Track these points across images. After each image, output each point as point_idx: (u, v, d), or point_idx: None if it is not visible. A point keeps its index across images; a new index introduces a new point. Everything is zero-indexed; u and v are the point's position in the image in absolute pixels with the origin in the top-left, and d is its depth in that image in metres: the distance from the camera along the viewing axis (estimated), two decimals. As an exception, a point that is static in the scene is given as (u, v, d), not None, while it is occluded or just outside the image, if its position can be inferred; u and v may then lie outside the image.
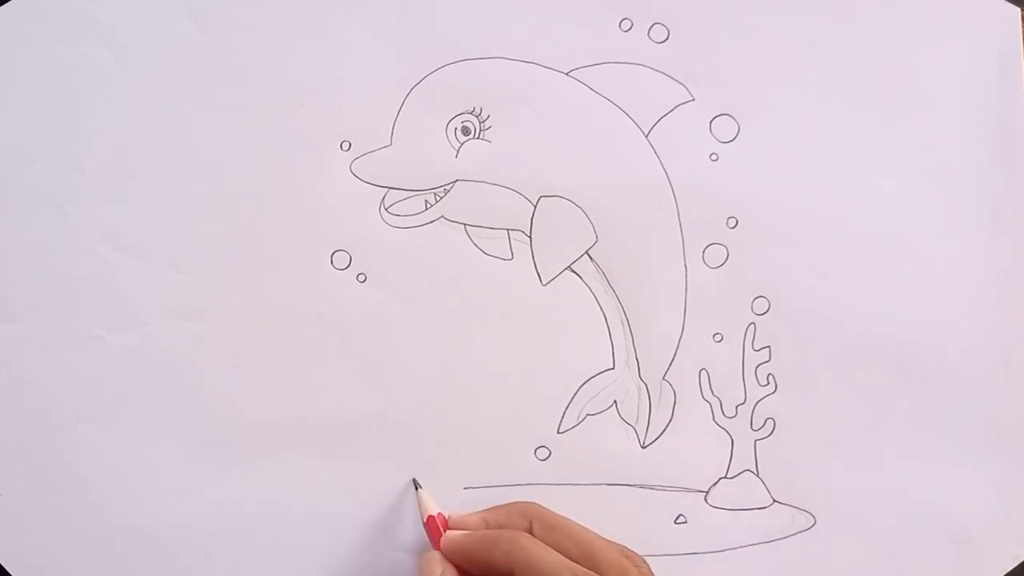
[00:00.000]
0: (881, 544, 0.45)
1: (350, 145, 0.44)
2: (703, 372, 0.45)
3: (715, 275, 0.45)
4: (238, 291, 0.43)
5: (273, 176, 0.43)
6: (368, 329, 0.44)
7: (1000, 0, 0.46)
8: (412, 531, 0.43)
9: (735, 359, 0.45)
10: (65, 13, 0.43)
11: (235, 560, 0.43)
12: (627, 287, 0.44)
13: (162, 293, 0.43)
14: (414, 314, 0.44)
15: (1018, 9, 0.46)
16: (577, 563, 0.37)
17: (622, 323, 0.44)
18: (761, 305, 0.45)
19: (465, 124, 0.44)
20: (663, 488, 0.44)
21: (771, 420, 0.45)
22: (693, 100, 0.45)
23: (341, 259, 0.44)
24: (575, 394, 0.44)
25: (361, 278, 0.44)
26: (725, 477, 0.45)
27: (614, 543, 0.40)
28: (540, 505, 0.42)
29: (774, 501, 0.45)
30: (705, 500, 0.44)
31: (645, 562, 0.39)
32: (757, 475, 0.45)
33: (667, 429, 0.44)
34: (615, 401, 0.44)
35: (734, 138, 0.45)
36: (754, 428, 0.45)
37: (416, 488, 0.43)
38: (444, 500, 0.43)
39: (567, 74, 0.44)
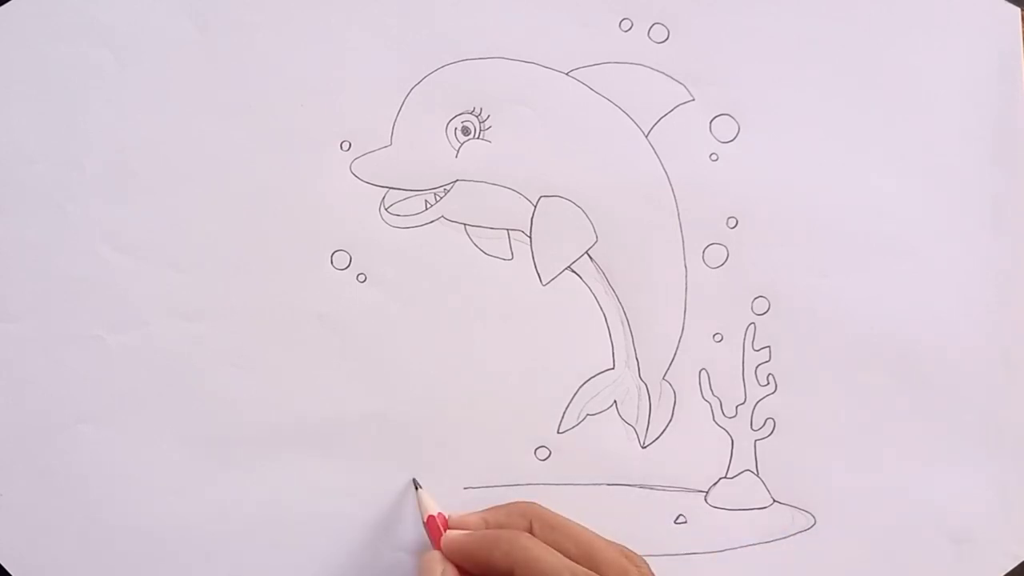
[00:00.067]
0: (881, 544, 0.45)
1: (350, 145, 0.44)
2: (703, 372, 0.45)
3: (715, 275, 0.45)
4: (238, 291, 0.43)
5: (273, 176, 0.43)
6: (368, 329, 0.44)
7: (1000, 0, 0.46)
8: (412, 531, 0.43)
9: (735, 359, 0.45)
10: (65, 13, 0.43)
11: (235, 560, 0.43)
12: (627, 287, 0.44)
13: (162, 293, 0.43)
14: (414, 314, 0.44)
15: (1018, 9, 0.46)
16: (577, 563, 0.37)
17: (622, 323, 0.44)
18: (761, 305, 0.45)
19: (465, 124, 0.44)
20: (663, 488, 0.44)
21: (771, 420, 0.45)
22: (693, 100, 0.45)
23: (341, 259, 0.44)
24: (575, 394, 0.44)
25: (361, 278, 0.44)
26: (725, 477, 0.45)
27: (614, 543, 0.40)
28: (540, 505, 0.42)
29: (774, 501, 0.45)
30: (705, 500, 0.44)
31: (645, 562, 0.39)
32: (757, 475, 0.45)
33: (667, 429, 0.44)
34: (615, 401, 0.44)
35: (734, 138, 0.45)
36: (754, 428, 0.45)
37: (416, 488, 0.43)
38: (444, 500, 0.43)
39: (567, 74, 0.44)
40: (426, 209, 0.44)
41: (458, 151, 0.44)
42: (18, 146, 0.43)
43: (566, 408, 0.44)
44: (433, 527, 0.41)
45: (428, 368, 0.44)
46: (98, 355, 0.43)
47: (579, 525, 0.40)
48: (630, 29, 0.45)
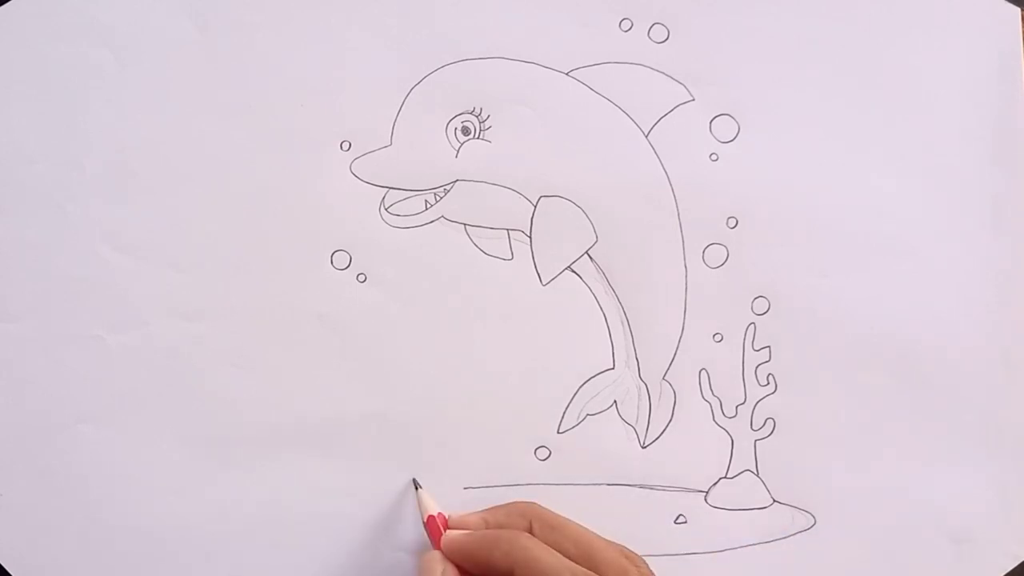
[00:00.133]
0: (881, 544, 0.45)
1: (350, 145, 0.44)
2: (703, 372, 0.45)
3: (715, 275, 0.45)
4: (238, 291, 0.43)
5: (273, 176, 0.43)
6: (368, 329, 0.44)
7: (1000, 0, 0.46)
8: (412, 531, 0.43)
9: (735, 359, 0.45)
10: (65, 13, 0.43)
11: (235, 560, 0.43)
12: (627, 287, 0.44)
13: (162, 293, 0.43)
14: (414, 314, 0.44)
15: (1018, 9, 0.46)
16: (577, 563, 0.37)
17: (622, 323, 0.44)
18: (761, 305, 0.45)
19: (465, 124, 0.44)
20: (663, 488, 0.44)
21: (771, 420, 0.45)
22: (693, 100, 0.45)
23: (341, 259, 0.44)
24: (575, 394, 0.44)
25: (361, 278, 0.44)
26: (725, 477, 0.45)
27: (613, 543, 0.40)
28: (540, 505, 0.42)
29: (774, 501, 0.45)
30: (705, 500, 0.44)
31: (645, 562, 0.39)
32: (757, 475, 0.45)
33: (667, 429, 0.44)
34: (615, 401, 0.44)
35: (734, 138, 0.45)
36: (754, 428, 0.45)
37: (416, 488, 0.43)
38: (444, 500, 0.43)
39: (567, 74, 0.44)
40: (426, 209, 0.44)
41: (458, 151, 0.44)
42: (18, 146, 0.43)
43: (566, 408, 0.44)
44: (433, 527, 0.41)
45: (428, 368, 0.44)
46: (98, 355, 0.43)
47: (579, 525, 0.40)
48: (630, 29, 0.45)
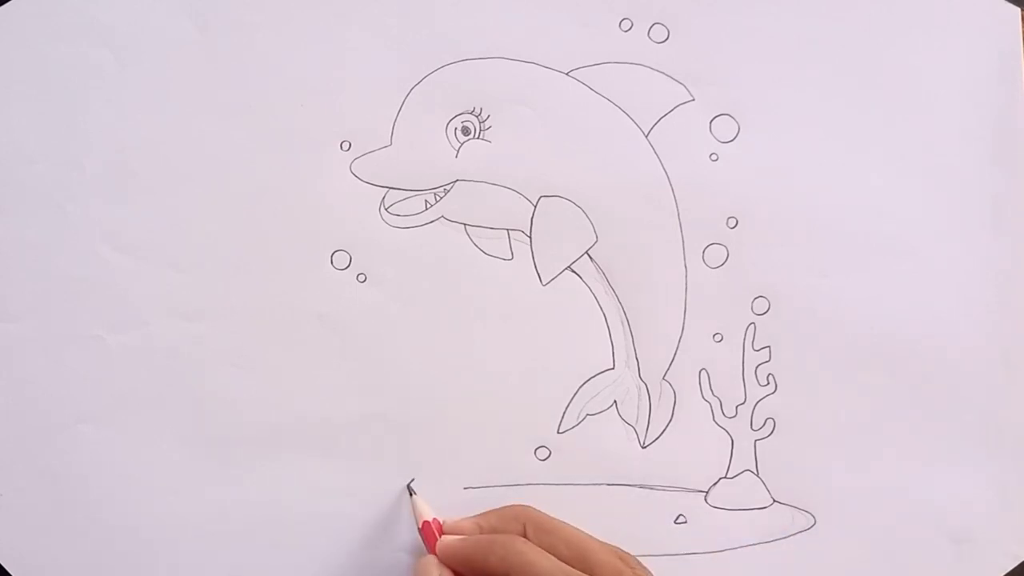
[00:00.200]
0: (881, 544, 0.45)
1: (350, 145, 0.44)
2: (703, 372, 0.45)
3: (715, 275, 0.45)
4: (238, 291, 0.43)
5: (273, 176, 0.43)
6: (368, 329, 0.44)
7: (1000, 0, 0.46)
8: (412, 531, 0.43)
9: (735, 359, 0.45)
10: (65, 13, 0.43)
11: (235, 560, 0.43)
12: (627, 287, 0.44)
13: (162, 293, 0.43)
14: (414, 314, 0.44)
15: (1018, 9, 0.46)
16: (571, 565, 0.37)
17: (622, 323, 0.44)
18: (761, 305, 0.45)
19: (465, 124, 0.44)
20: (663, 488, 0.44)
21: (771, 420, 0.45)
22: (693, 100, 0.45)
23: (341, 259, 0.44)
24: (575, 394, 0.44)
25: (361, 278, 0.44)
26: (725, 477, 0.45)
27: (608, 544, 0.40)
28: (534, 508, 0.41)
29: (774, 501, 0.45)
30: (705, 500, 0.44)
31: (639, 563, 0.39)
32: (757, 475, 0.45)
33: (667, 429, 0.44)
34: (615, 401, 0.44)
35: (734, 138, 0.45)
36: (754, 428, 0.45)
37: (411, 495, 0.43)
38: (444, 500, 0.43)
39: (567, 74, 0.44)
40: (426, 209, 0.44)
41: (458, 151, 0.44)
42: (18, 146, 0.43)
43: (566, 408, 0.44)
44: (428, 533, 0.41)
45: (428, 368, 0.44)
46: (98, 355, 0.43)
47: (572, 527, 0.40)
48: (630, 29, 0.45)
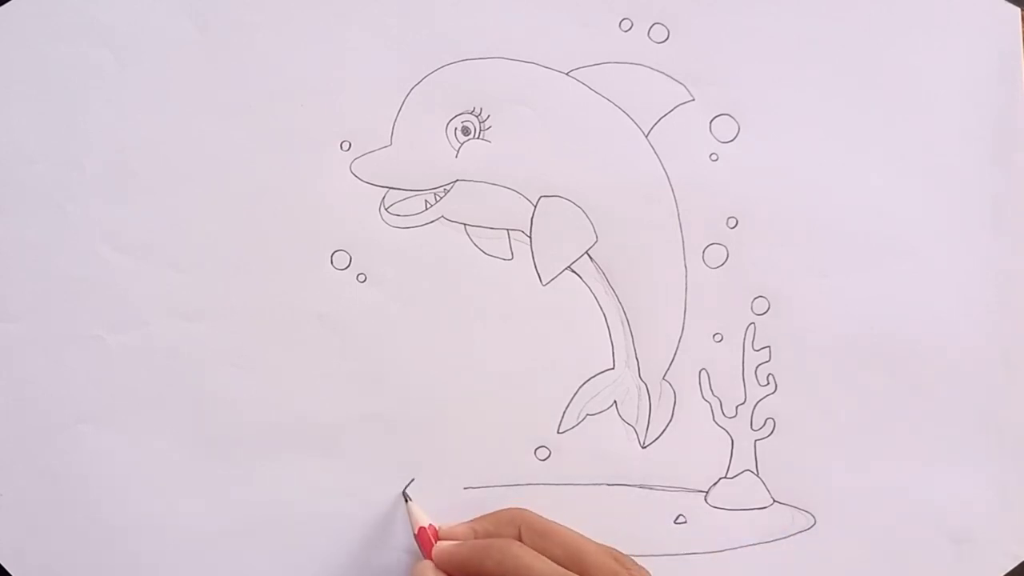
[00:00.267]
0: (881, 544, 0.45)
1: (350, 145, 0.44)
2: (703, 372, 0.45)
3: (715, 275, 0.45)
4: (238, 291, 0.43)
5: (273, 176, 0.43)
6: (368, 329, 0.44)
7: (1000, 0, 0.46)
8: (411, 531, 0.43)
9: (735, 359, 0.45)
10: (65, 13, 0.43)
11: (235, 560, 0.43)
12: (627, 287, 0.44)
13: (162, 293, 0.43)
14: (414, 314, 0.44)
15: (1018, 9, 0.46)
16: (567, 567, 0.38)
17: (622, 323, 0.44)
18: (761, 305, 0.45)
19: (465, 124, 0.44)
20: (663, 488, 0.44)
21: (771, 420, 0.45)
22: (693, 100, 0.45)
23: (341, 259, 0.44)
24: (575, 394, 0.44)
25: (361, 278, 0.44)
26: (725, 477, 0.45)
27: (603, 545, 0.40)
28: (528, 511, 0.41)
29: (774, 501, 0.45)
30: (705, 500, 0.44)
31: (635, 563, 0.39)
32: (757, 475, 0.45)
33: (667, 429, 0.44)
34: (615, 401, 0.44)
35: (734, 138, 0.45)
36: (754, 428, 0.45)
37: (406, 501, 0.43)
38: (444, 500, 0.43)
39: (567, 74, 0.44)
40: (426, 209, 0.44)
41: (458, 151, 0.44)
42: (18, 146, 0.43)
43: (566, 408, 0.44)
44: (424, 539, 0.41)
45: (428, 368, 0.44)
46: (98, 355, 0.43)
47: (567, 529, 0.40)
48: (630, 29, 0.45)
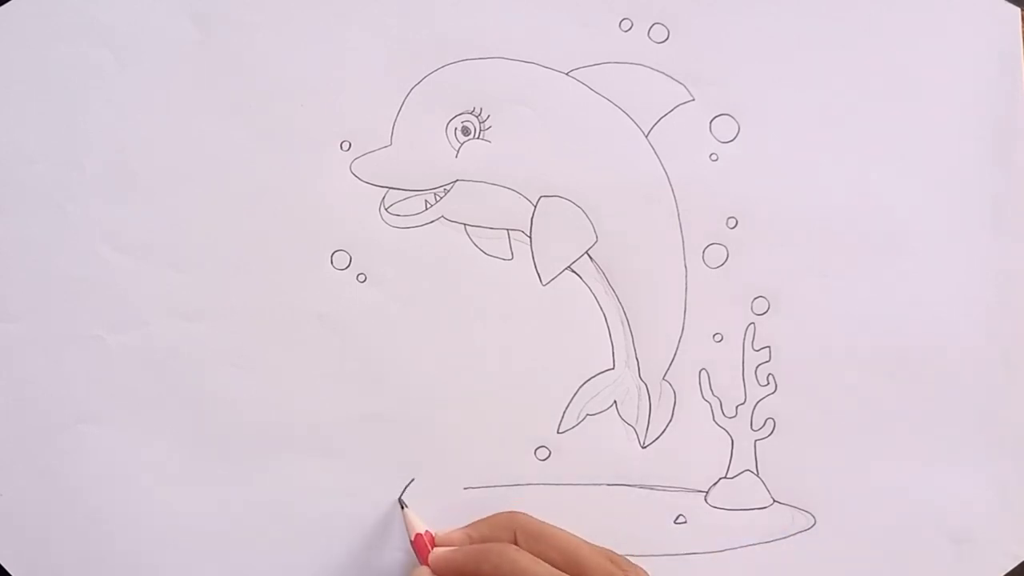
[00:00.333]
0: (881, 544, 0.45)
1: (350, 145, 0.44)
2: (703, 372, 0.45)
3: (715, 275, 0.45)
4: (238, 291, 0.43)
5: (273, 176, 0.43)
6: (368, 329, 0.44)
7: (1000, 0, 0.46)
8: (412, 531, 0.43)
9: (735, 359, 0.45)
10: (65, 13, 0.43)
11: (235, 560, 0.43)
12: (627, 287, 0.44)
13: (162, 293, 0.43)
14: (414, 314, 0.44)
15: (1018, 9, 0.46)
16: (563, 570, 0.38)
17: (622, 323, 0.44)
18: (761, 305, 0.45)
19: (465, 124, 0.44)
20: (663, 488, 0.44)
21: (771, 420, 0.45)
22: (693, 100, 0.45)
23: (341, 259, 0.44)
24: (575, 394, 0.44)
25: (361, 278, 0.44)
26: (725, 477, 0.45)
27: (599, 547, 0.40)
28: (524, 514, 0.41)
29: (774, 501, 0.45)
30: (705, 500, 0.44)
31: (632, 564, 0.39)
32: (757, 475, 0.45)
33: (667, 429, 0.44)
34: (615, 401, 0.44)
35: (734, 138, 0.45)
36: (754, 428, 0.45)
37: (402, 508, 0.43)
38: (444, 500, 0.43)
39: (567, 74, 0.44)
40: (426, 209, 0.44)
41: (458, 151, 0.44)
42: (18, 146, 0.43)
43: (566, 408, 0.44)
44: (420, 545, 0.41)
45: (428, 368, 0.44)
46: (98, 355, 0.43)
47: (563, 532, 0.40)
48: (630, 29, 0.45)
